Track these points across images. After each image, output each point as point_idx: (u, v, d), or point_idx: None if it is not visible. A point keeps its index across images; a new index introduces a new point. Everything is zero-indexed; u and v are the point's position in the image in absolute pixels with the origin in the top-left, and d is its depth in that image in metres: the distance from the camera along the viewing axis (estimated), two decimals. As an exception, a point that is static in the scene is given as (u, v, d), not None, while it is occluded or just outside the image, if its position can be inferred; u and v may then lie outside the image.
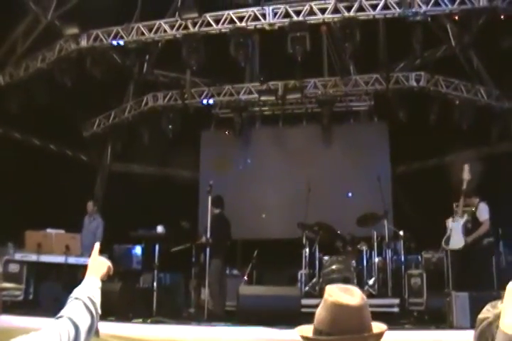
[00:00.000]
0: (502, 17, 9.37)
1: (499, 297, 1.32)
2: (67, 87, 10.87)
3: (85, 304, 1.93)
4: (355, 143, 13.21)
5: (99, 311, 1.98)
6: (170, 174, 14.37)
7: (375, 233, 9.69)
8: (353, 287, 2.04)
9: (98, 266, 2.20)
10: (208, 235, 8.58)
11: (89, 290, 2.03)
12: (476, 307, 1.33)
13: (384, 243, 9.60)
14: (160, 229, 8.77)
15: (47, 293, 8.40)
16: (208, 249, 8.51)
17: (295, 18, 10.07)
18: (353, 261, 9.34)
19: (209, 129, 14.23)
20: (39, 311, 7.19)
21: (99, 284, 2.09)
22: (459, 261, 8.14)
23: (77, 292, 2.00)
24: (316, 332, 1.96)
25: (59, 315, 1.85)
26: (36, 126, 12.02)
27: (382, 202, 9.79)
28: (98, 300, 1.99)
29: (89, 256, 2.28)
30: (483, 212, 8.30)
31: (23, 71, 11.65)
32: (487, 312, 1.27)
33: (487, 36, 9.97)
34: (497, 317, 1.24)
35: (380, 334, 1.99)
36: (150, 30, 10.77)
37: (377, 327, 2.00)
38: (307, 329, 2.01)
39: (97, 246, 2.30)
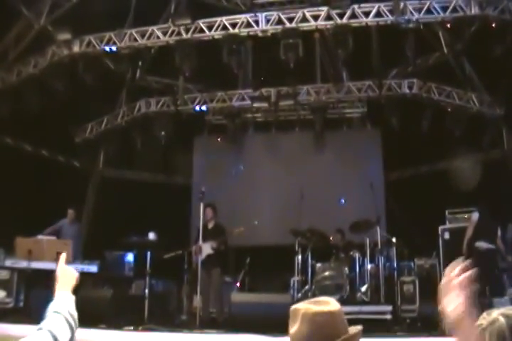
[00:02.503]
0: (493, 25, 9.44)
1: (492, 304, 1.37)
2: (59, 92, 10.84)
3: (66, 318, 1.91)
4: (348, 150, 13.23)
5: (77, 326, 1.95)
6: (162, 180, 14.33)
7: (367, 240, 9.67)
8: (324, 297, 2.05)
9: (68, 278, 2.17)
10: (201, 242, 8.55)
11: (67, 305, 1.99)
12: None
13: (377, 250, 9.58)
14: (152, 235, 8.73)
15: (37, 300, 8.33)
16: (199, 258, 8.47)
17: (288, 24, 10.09)
18: (346, 268, 9.31)
19: (202, 135, 14.22)
20: (30, 318, 7.12)
21: (73, 298, 2.06)
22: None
23: (55, 306, 1.96)
24: None
25: (39, 327, 1.83)
26: (28, 131, 11.95)
27: (374, 208, 9.78)
28: (76, 315, 1.97)
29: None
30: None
31: (15, 76, 11.60)
32: (482, 319, 1.29)
33: (479, 44, 10.04)
34: (490, 323, 1.27)
35: (355, 336, 1.99)
36: (143, 36, 10.76)
37: (352, 329, 2.00)
38: None
39: (63, 256, 2.26)
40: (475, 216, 8.42)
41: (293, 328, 1.99)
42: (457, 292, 1.45)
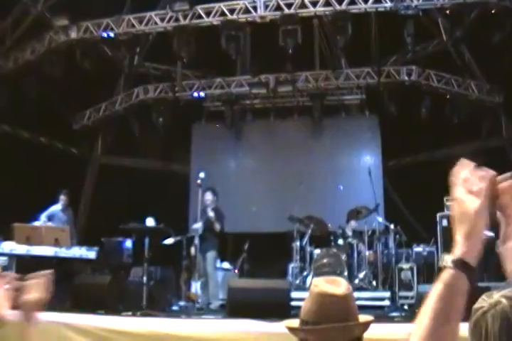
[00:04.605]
0: (493, 11, 9.39)
1: (491, 288, 1.33)
2: (56, 79, 10.79)
3: None
4: (346, 137, 13.22)
5: None
6: (161, 167, 14.32)
7: (366, 226, 9.70)
8: (339, 278, 2.05)
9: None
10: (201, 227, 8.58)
11: None
12: (466, 300, 1.33)
13: (375, 236, 9.62)
14: (150, 221, 8.74)
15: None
16: (197, 242, 8.50)
17: (286, 10, 10.04)
18: (344, 255, 9.34)
19: (200, 122, 14.19)
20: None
21: None
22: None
23: None
24: (303, 322, 1.97)
25: None
26: (26, 118, 11.92)
27: (373, 195, 9.81)
28: None
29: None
30: None
31: (12, 63, 11.54)
32: (482, 301, 1.27)
33: (478, 30, 9.99)
34: (492, 305, 1.24)
35: (366, 324, 2.00)
36: (141, 23, 10.70)
37: (363, 317, 2.01)
38: (294, 322, 2.02)
39: None
40: None
41: (305, 301, 2.00)
42: (475, 182, 1.35)
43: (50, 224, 9.42)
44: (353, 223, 9.84)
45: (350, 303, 1.96)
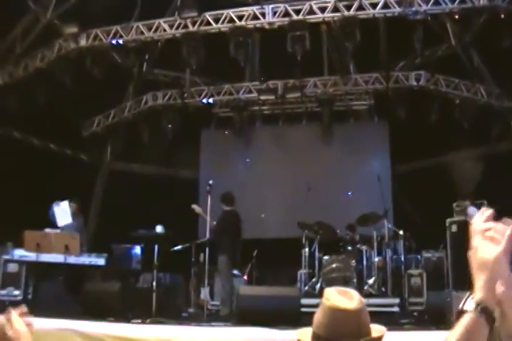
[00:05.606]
0: (502, 16, 9.36)
1: None
2: (66, 86, 10.85)
3: None
4: (355, 143, 13.19)
5: None
6: (169, 173, 14.34)
7: (375, 232, 9.67)
8: (351, 290, 2.02)
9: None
10: (208, 233, 8.53)
11: None
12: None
13: (384, 242, 9.58)
14: (159, 228, 8.75)
15: (46, 292, 8.38)
16: (207, 248, 8.47)
17: (295, 17, 10.06)
18: (353, 261, 9.31)
19: (209, 128, 14.21)
20: (38, 311, 7.16)
21: None
22: (460, 260, 8.12)
23: None
24: (315, 336, 1.94)
25: None
26: (36, 125, 11.98)
27: (382, 201, 9.77)
28: None
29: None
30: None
31: (23, 70, 11.62)
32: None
33: (487, 35, 9.96)
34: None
35: (379, 339, 1.97)
36: (149, 30, 10.76)
37: (376, 330, 1.98)
38: (306, 333, 1.99)
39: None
40: (472, 210, 8.35)
41: (317, 313, 1.97)
42: (494, 238, 1.36)
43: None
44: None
45: (362, 318, 1.93)
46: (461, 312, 1.34)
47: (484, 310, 1.31)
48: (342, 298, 1.93)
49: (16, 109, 11.17)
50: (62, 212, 9.23)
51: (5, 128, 12.13)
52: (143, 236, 8.98)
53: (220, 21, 10.39)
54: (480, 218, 1.41)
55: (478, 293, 1.34)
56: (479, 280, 1.35)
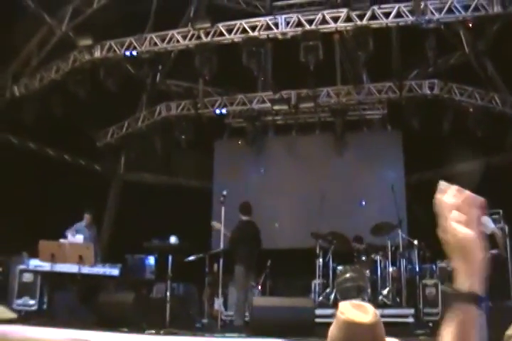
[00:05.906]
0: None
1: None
2: (81, 97, 10.95)
3: None
4: (368, 152, 13.14)
5: None
6: (183, 184, 14.38)
7: (389, 242, 9.60)
8: (366, 303, 2.00)
9: None
10: (222, 243, 8.52)
11: None
12: (492, 318, 1.30)
13: (398, 252, 9.51)
14: (173, 239, 8.76)
15: (61, 303, 8.41)
16: (221, 259, 8.46)
17: (307, 27, 10.08)
18: (367, 271, 9.25)
19: (222, 139, 14.25)
20: (53, 321, 7.19)
21: None
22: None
23: None
24: None
25: None
26: (51, 136, 12.10)
27: (396, 211, 9.71)
28: None
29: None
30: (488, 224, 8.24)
31: (38, 82, 11.75)
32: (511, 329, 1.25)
33: (501, 43, 9.91)
34: None
35: None
36: (163, 41, 10.83)
37: None
38: None
39: None
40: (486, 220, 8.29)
41: (332, 327, 1.95)
42: (464, 209, 1.33)
43: (79, 236, 9.41)
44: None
45: (377, 331, 1.91)
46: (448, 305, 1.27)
47: (472, 297, 1.25)
48: (357, 311, 1.91)
49: (32, 121, 11.28)
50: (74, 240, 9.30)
51: (20, 139, 12.27)
52: (156, 247, 9.00)
53: (233, 32, 10.44)
54: (443, 195, 1.36)
55: (460, 281, 1.28)
56: (457, 264, 1.31)
